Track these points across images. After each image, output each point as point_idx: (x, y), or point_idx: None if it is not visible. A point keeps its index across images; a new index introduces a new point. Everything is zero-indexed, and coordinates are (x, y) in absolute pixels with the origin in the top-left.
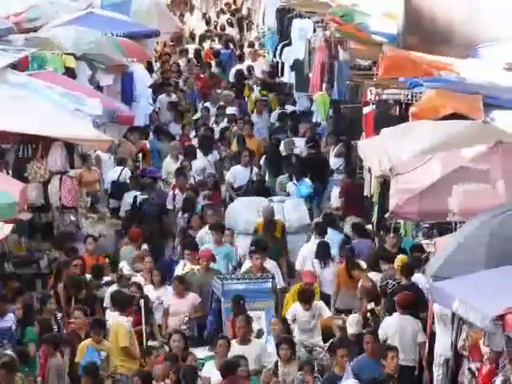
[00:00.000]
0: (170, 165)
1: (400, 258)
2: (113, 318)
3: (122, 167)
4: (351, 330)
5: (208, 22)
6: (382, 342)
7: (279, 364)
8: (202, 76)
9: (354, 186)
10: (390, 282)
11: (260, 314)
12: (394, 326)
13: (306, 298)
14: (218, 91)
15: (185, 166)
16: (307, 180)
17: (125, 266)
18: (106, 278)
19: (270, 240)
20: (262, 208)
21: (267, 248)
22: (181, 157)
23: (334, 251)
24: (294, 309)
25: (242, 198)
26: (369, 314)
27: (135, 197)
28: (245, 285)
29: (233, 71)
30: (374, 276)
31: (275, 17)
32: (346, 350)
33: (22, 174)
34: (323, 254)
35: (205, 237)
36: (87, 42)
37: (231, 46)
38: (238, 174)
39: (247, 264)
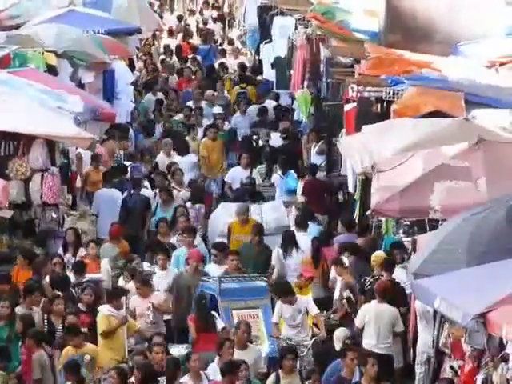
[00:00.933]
0: (164, 161)
1: (376, 255)
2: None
3: (130, 163)
4: (338, 345)
5: (180, 19)
6: (359, 329)
7: (281, 375)
8: (194, 77)
9: (316, 184)
10: (368, 278)
11: (257, 312)
12: (371, 313)
13: (282, 291)
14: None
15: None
16: (293, 172)
17: (105, 264)
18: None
19: (257, 245)
20: (236, 207)
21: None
22: (173, 153)
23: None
24: (279, 305)
25: (226, 203)
26: (344, 301)
27: (129, 193)
28: (241, 283)
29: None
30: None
31: (256, 14)
32: (356, 353)
33: (3, 172)
34: (287, 243)
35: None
36: (68, 39)
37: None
38: (236, 176)
39: (214, 266)
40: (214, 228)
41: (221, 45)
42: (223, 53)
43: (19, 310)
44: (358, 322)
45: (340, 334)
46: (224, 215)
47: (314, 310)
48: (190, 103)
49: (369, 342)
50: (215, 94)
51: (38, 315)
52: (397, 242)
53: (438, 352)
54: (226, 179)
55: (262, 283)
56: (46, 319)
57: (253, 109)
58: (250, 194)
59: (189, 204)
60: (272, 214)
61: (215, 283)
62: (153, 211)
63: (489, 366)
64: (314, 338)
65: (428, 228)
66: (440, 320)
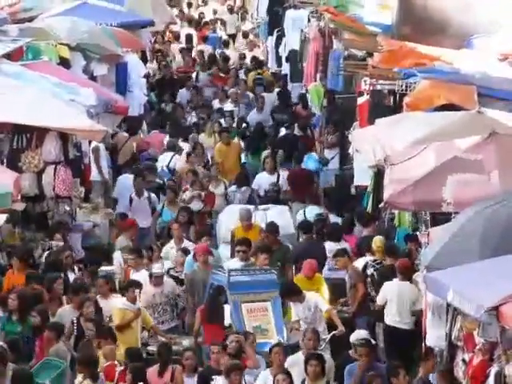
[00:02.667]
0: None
1: (378, 240)
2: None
3: (172, 153)
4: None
5: (190, 6)
6: (381, 306)
7: (306, 381)
8: (224, 76)
9: (300, 174)
10: (369, 262)
11: (266, 305)
12: (393, 291)
13: (287, 292)
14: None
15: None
16: (314, 154)
17: (118, 256)
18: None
19: (274, 243)
20: (239, 212)
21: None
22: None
23: None
24: (291, 304)
25: (231, 206)
26: (369, 280)
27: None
28: (251, 276)
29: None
30: None
31: (267, 7)
32: (405, 372)
33: (15, 164)
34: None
35: (170, 252)
36: (81, 32)
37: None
38: (262, 182)
39: (238, 263)
40: (218, 233)
41: (234, 36)
42: (226, 44)
43: (67, 309)
44: (379, 299)
45: (353, 336)
46: (227, 221)
47: (324, 306)
48: (216, 102)
49: (393, 319)
50: (239, 92)
51: (68, 317)
52: (411, 235)
53: (450, 345)
54: (253, 186)
55: (272, 276)
56: (75, 322)
57: (271, 97)
58: (275, 200)
59: (234, 188)
60: (277, 221)
61: (225, 276)
62: (159, 211)
63: (502, 360)
64: (332, 333)
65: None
66: (453, 313)
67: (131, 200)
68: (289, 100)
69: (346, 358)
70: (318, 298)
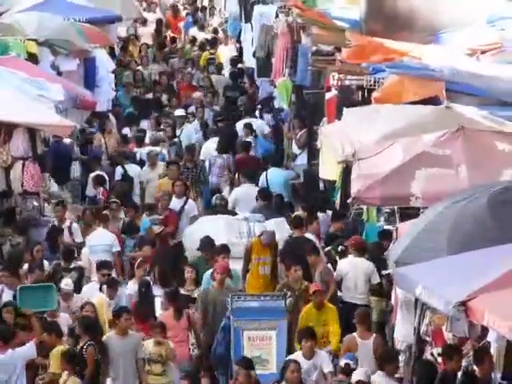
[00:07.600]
0: None
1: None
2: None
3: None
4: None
5: None
6: (337, 281)
7: None
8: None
9: (247, 160)
10: None
11: (270, 334)
12: (347, 267)
13: (307, 334)
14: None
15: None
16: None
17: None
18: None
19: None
20: (264, 234)
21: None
22: None
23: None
24: (295, 357)
25: (206, 217)
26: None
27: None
28: (258, 302)
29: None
30: None
31: (237, 2)
32: None
33: None
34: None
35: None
36: (50, 27)
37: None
38: (172, 206)
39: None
40: (192, 244)
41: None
42: (202, 27)
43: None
44: (336, 275)
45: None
46: (204, 231)
47: (328, 367)
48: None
49: (348, 295)
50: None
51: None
52: (384, 231)
53: (419, 340)
54: None
55: (280, 303)
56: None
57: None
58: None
59: (215, 153)
60: (277, 232)
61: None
62: None
63: (470, 355)
64: None
65: (401, 216)
66: (421, 308)
67: None
68: (240, 78)
69: None
70: (325, 358)
